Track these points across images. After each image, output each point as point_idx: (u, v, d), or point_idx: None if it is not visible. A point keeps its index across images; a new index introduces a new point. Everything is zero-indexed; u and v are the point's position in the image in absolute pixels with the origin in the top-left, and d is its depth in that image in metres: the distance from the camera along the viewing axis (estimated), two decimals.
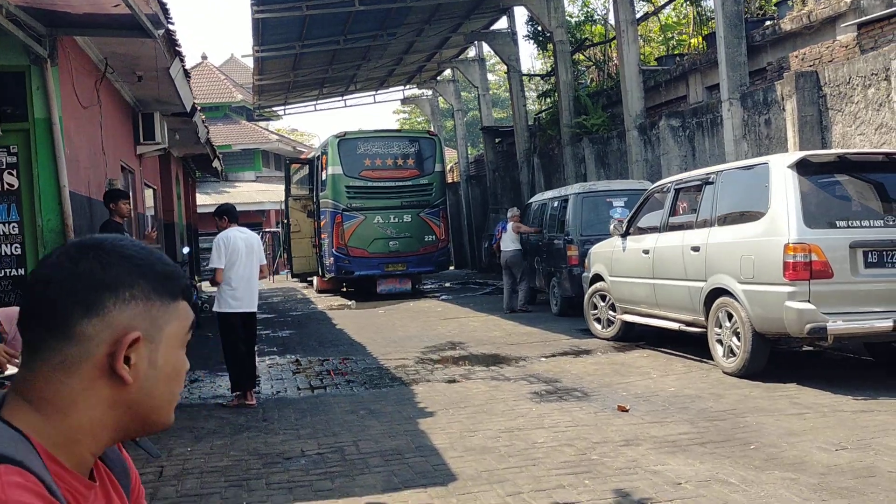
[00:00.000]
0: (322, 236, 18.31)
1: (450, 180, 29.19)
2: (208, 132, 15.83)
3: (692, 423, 5.54)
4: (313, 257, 19.42)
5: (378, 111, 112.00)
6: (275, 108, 30.42)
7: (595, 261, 9.88)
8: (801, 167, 6.46)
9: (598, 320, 9.76)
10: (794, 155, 6.51)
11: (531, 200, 14.33)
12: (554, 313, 12.52)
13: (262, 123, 44.63)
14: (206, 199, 34.70)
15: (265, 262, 7.31)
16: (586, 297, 9.95)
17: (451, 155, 35.20)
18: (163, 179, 15.18)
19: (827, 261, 6.20)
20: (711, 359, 7.46)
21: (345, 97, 28.07)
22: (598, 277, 9.76)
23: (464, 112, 27.44)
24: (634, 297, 8.77)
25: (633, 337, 9.37)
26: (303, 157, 22.92)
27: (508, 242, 12.96)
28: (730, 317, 6.99)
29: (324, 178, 18.00)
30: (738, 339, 6.88)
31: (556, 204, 12.60)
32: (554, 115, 18.99)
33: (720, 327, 7.15)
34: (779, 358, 6.82)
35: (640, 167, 14.67)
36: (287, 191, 19.71)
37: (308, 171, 19.77)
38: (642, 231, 8.82)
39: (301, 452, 5.29)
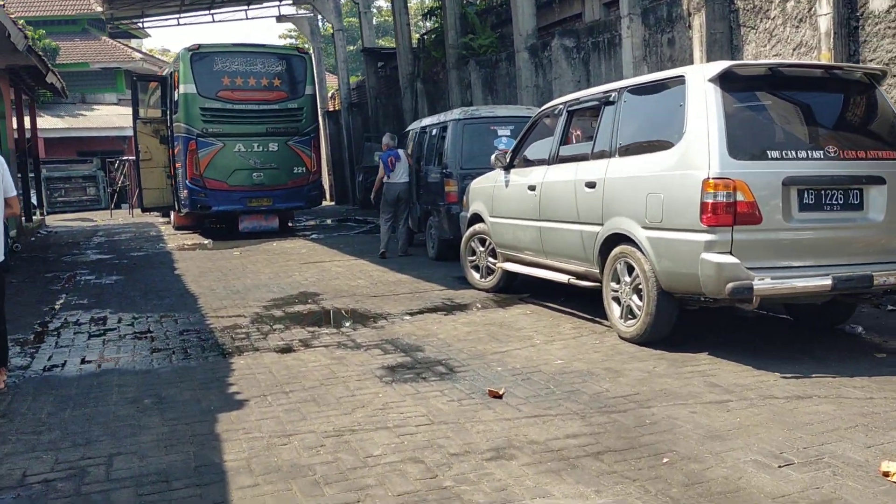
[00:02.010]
0: (176, 165, 16.05)
1: (331, 108, 27.06)
2: (27, 38, 13.19)
3: (583, 417, 4.14)
4: (167, 189, 17.11)
5: (256, 33, 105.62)
6: (133, 21, 27.14)
7: (474, 198, 8.37)
8: (725, 81, 5.07)
9: (477, 268, 8.31)
10: (717, 66, 5.11)
11: (408, 128, 12.65)
12: (430, 257, 11.02)
13: (127, 41, 40.56)
14: (58, 123, 31.15)
15: (14, 194, 5.36)
16: (463, 240, 8.46)
17: (332, 82, 32.84)
18: None
19: (755, 201, 4.88)
20: (606, 319, 6.14)
21: (212, 10, 25.19)
22: (477, 218, 8.27)
23: (345, 33, 25.15)
24: (518, 243, 7.33)
25: (516, 288, 7.99)
26: (159, 73, 20.22)
27: (401, 172, 11.24)
28: (630, 270, 5.63)
29: (176, 98, 15.66)
30: (640, 297, 5.55)
31: (434, 132, 10.97)
32: (439, 36, 17.21)
33: (618, 282, 5.79)
34: (682, 315, 5.60)
35: (530, 93, 13.20)
36: (135, 112, 17.17)
37: (160, 90, 17.28)
38: (529, 163, 7.34)
39: (20, 478, 3.57)
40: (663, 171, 5.26)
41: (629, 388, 4.60)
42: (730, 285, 4.78)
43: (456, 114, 10.39)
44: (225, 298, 8.42)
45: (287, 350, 5.92)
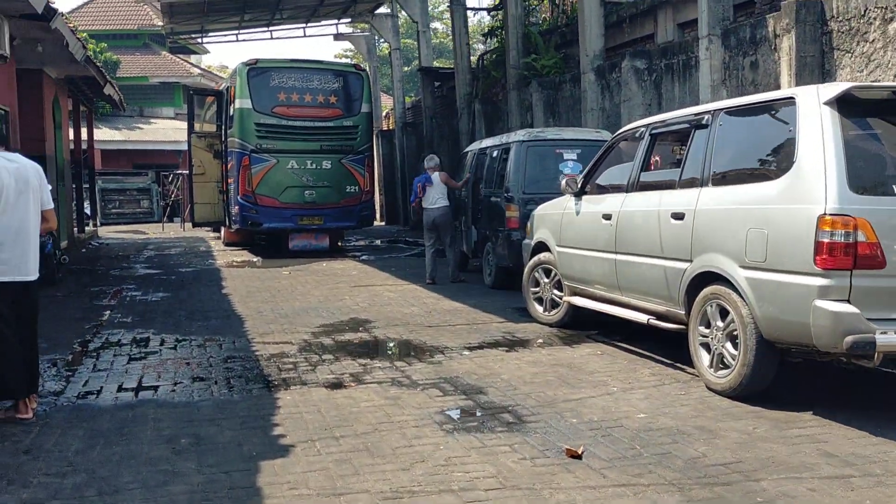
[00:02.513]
0: (228, 181, 15.85)
1: (385, 127, 26.84)
2: (85, 49, 13.13)
3: (682, 489, 3.54)
4: (219, 204, 16.94)
5: (312, 50, 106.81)
6: (193, 36, 27.37)
7: (539, 225, 7.82)
8: (844, 105, 4.45)
9: (540, 300, 7.74)
10: (834, 87, 4.50)
11: (467, 149, 12.18)
12: (487, 285, 10.47)
13: (186, 57, 41.17)
14: (115, 136, 31.55)
15: (51, 207, 4.98)
16: (526, 270, 7.90)
17: (387, 102, 32.71)
18: (23, 101, 12.46)
19: (878, 242, 4.24)
20: (690, 366, 5.51)
21: (270, 28, 25.22)
22: (542, 247, 7.71)
23: (401, 52, 24.94)
24: (588, 276, 6.74)
25: (582, 323, 7.39)
26: (216, 88, 20.19)
27: (437, 197, 10.74)
28: (723, 314, 5.01)
29: (231, 112, 15.48)
30: (734, 345, 4.92)
31: (495, 154, 10.46)
32: (500, 56, 16.77)
33: (708, 327, 5.17)
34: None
35: (595, 116, 12.63)
36: (190, 126, 17.07)
37: (216, 104, 17.16)
38: (603, 190, 6.77)
39: None
40: (768, 203, 4.64)
41: (730, 454, 3.98)
42: (849, 339, 4.14)
43: (520, 135, 9.87)
44: (272, 322, 7.99)
45: (337, 385, 5.43)
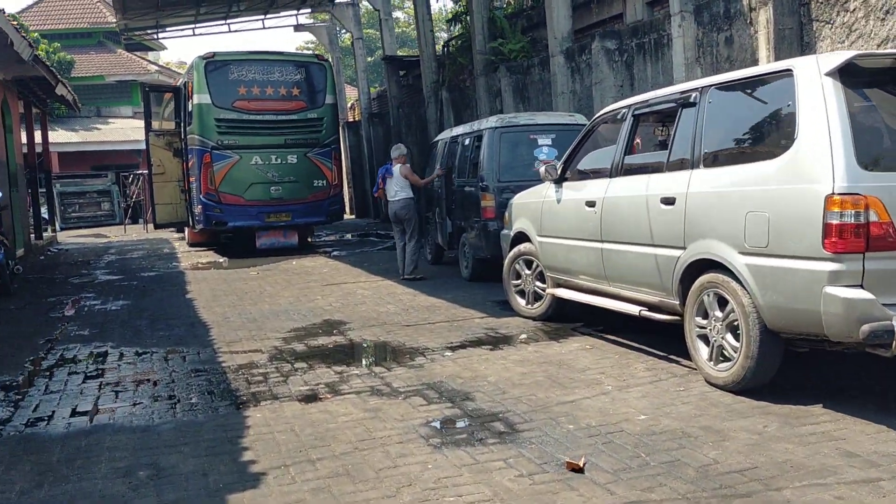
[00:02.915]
0: (190, 179, 15.28)
1: (350, 119, 26.32)
2: (33, 48, 12.46)
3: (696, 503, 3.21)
4: (181, 204, 16.35)
5: (273, 43, 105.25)
6: (148, 32, 26.54)
7: (518, 215, 7.46)
8: (846, 75, 4.13)
9: (522, 293, 7.39)
10: (836, 57, 4.18)
11: (437, 138, 11.77)
12: (464, 278, 10.10)
13: (143, 54, 40.13)
14: (72, 137, 30.60)
15: None
16: (506, 262, 7.54)
17: (351, 93, 32.14)
18: None
19: (891, 222, 3.94)
20: (687, 358, 5.20)
21: (228, 21, 24.51)
22: (522, 237, 7.35)
23: (364, 42, 24.39)
24: (573, 266, 6.40)
25: (566, 315, 7.06)
26: (173, 84, 19.46)
27: (396, 189, 10.30)
28: (722, 303, 4.69)
29: (189, 108, 14.89)
30: (735, 336, 4.61)
31: (467, 141, 10.07)
32: (465, 42, 16.35)
33: (705, 317, 4.85)
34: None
35: (566, 100, 12.29)
36: (147, 124, 16.43)
37: (174, 101, 16.54)
38: (585, 176, 6.43)
39: None
40: (768, 184, 4.32)
41: (743, 459, 3.65)
42: (865, 327, 3.83)
43: (492, 121, 9.49)
44: (240, 328, 7.55)
45: (311, 398, 5.03)
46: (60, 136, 29.81)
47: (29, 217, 17.58)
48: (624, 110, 5.91)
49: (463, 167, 10.09)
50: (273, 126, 14.62)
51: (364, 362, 6.05)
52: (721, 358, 4.74)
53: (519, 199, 7.55)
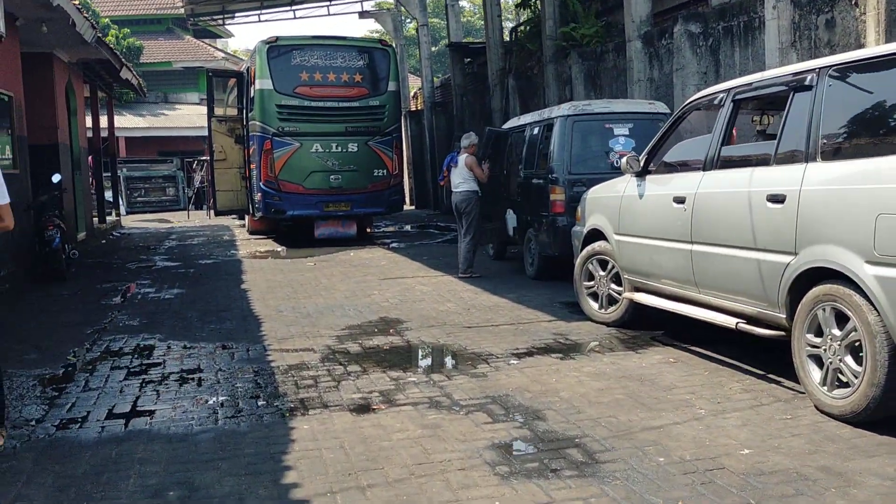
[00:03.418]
0: (251, 166, 15.04)
1: (413, 108, 25.90)
2: (95, 28, 12.31)
3: None
4: (242, 191, 16.14)
5: (337, 29, 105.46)
6: (214, 17, 26.58)
7: (593, 210, 6.84)
8: None
9: (595, 296, 6.78)
10: None
11: (503, 127, 11.18)
12: (529, 276, 9.52)
13: (211, 41, 40.50)
14: (139, 122, 30.97)
15: (6, 202, 4.13)
16: (578, 261, 6.93)
17: (414, 83, 31.73)
18: (32, 87, 11.70)
19: None
20: (788, 377, 4.54)
21: (293, 6, 24.33)
22: (596, 234, 6.73)
23: (429, 29, 23.89)
24: (656, 269, 5.77)
25: (644, 322, 6.43)
26: (237, 70, 19.28)
27: (459, 181, 9.80)
28: (841, 320, 4.03)
29: (251, 94, 14.63)
30: (857, 359, 3.94)
31: (535, 131, 9.47)
32: (535, 27, 15.69)
33: (819, 335, 4.19)
34: None
35: (642, 88, 11.56)
36: (210, 110, 16.24)
37: (237, 86, 16.33)
38: (672, 168, 5.78)
39: None
40: None
41: None
42: None
43: (564, 109, 8.86)
44: (293, 323, 7.14)
45: (364, 409, 4.54)
46: (128, 122, 30.20)
47: (92, 201, 17.62)
48: (721, 95, 5.24)
49: (531, 158, 9.49)
50: (334, 113, 14.25)
51: (422, 368, 5.54)
52: (837, 383, 4.08)
53: (594, 194, 6.93)
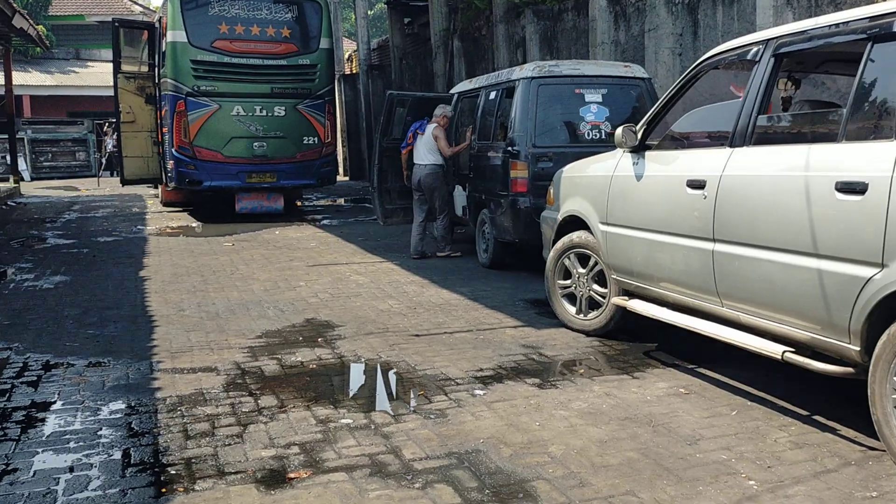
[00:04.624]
0: (163, 130, 13.30)
1: (347, 71, 24.24)
2: None
3: None
4: (154, 158, 14.37)
5: None
6: None
7: (571, 192, 5.57)
8: None
9: (571, 298, 5.54)
10: None
11: (453, 91, 9.81)
12: (482, 263, 8.25)
13: None
14: (47, 80, 28.36)
15: None
16: (551, 254, 5.66)
17: (349, 46, 29.92)
18: None
19: None
20: (846, 421, 3.39)
21: None
22: (574, 223, 5.47)
23: None
24: (658, 271, 4.54)
25: (630, 329, 5.24)
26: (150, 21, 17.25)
27: (424, 152, 8.51)
28: None
29: (163, 48, 12.86)
30: None
31: (491, 96, 8.14)
32: None
33: None
34: None
35: (606, 51, 10.34)
36: (116, 65, 14.30)
37: (148, 40, 14.46)
38: (682, 143, 4.55)
39: None
40: None
41: None
42: None
43: (528, 70, 7.54)
44: (195, 328, 5.69)
45: (277, 479, 3.18)
46: (34, 79, 27.64)
47: None
48: (757, 48, 3.99)
49: (486, 127, 8.18)
50: (258, 71, 12.63)
51: (360, 401, 4.20)
52: None
53: (572, 172, 5.66)
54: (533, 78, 7.39)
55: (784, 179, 3.56)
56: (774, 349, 3.64)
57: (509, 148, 7.41)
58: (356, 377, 4.66)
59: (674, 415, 3.83)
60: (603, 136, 7.41)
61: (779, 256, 3.58)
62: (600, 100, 7.43)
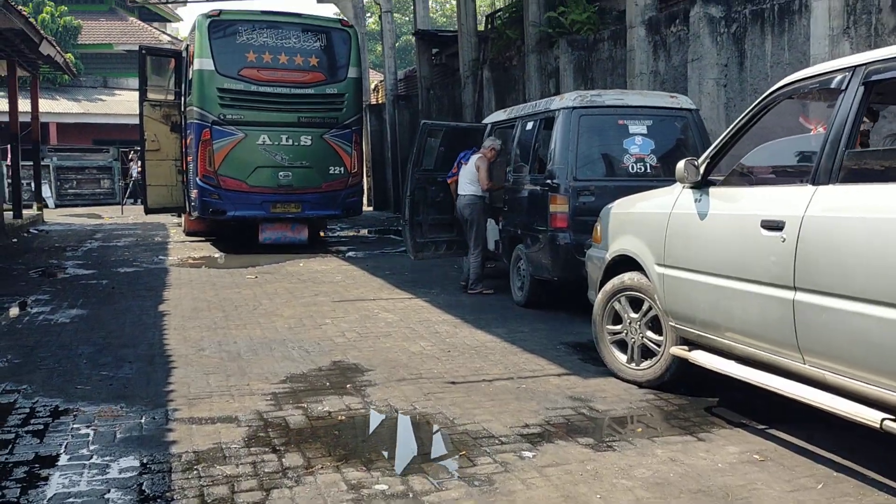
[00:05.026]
0: (187, 158, 13.09)
1: (373, 101, 24.11)
2: None
3: None
4: (178, 187, 14.16)
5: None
6: None
7: (621, 230, 5.16)
8: None
9: (622, 345, 5.10)
10: None
11: (486, 120, 9.47)
12: (517, 302, 7.83)
13: (160, 25, 38.06)
14: (73, 108, 28.52)
15: None
16: (599, 297, 5.23)
17: (375, 77, 29.92)
18: None
19: None
20: None
21: None
22: (625, 263, 5.05)
23: (393, 14, 22.11)
24: (725, 320, 4.10)
25: (687, 381, 4.78)
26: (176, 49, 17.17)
27: (465, 182, 8.22)
28: None
29: (189, 76, 12.69)
30: None
31: (528, 126, 7.78)
32: (516, 13, 14.04)
33: None
34: None
35: (644, 82, 9.98)
36: (142, 93, 14.18)
37: (175, 68, 14.33)
38: (754, 179, 4.14)
39: None
40: None
41: None
42: None
43: (569, 100, 7.18)
44: (215, 370, 5.31)
45: None
46: (61, 106, 27.81)
47: (4, 193, 15.44)
48: (842, 76, 3.59)
49: (523, 159, 7.81)
50: (285, 100, 12.41)
51: (395, 461, 3.78)
52: None
53: (623, 208, 5.25)
54: (574, 108, 7.02)
55: (883, 222, 3.13)
56: (871, 415, 3.18)
57: (548, 181, 7.03)
58: (389, 432, 4.24)
59: (752, 487, 3.37)
60: (647, 170, 7.02)
61: (880, 311, 3.13)
62: (645, 131, 7.04)
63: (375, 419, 4.36)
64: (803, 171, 3.70)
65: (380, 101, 23.42)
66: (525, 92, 13.06)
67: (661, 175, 7.00)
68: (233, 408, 4.50)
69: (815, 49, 7.31)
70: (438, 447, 3.96)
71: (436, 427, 4.21)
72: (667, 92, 9.15)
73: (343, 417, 4.35)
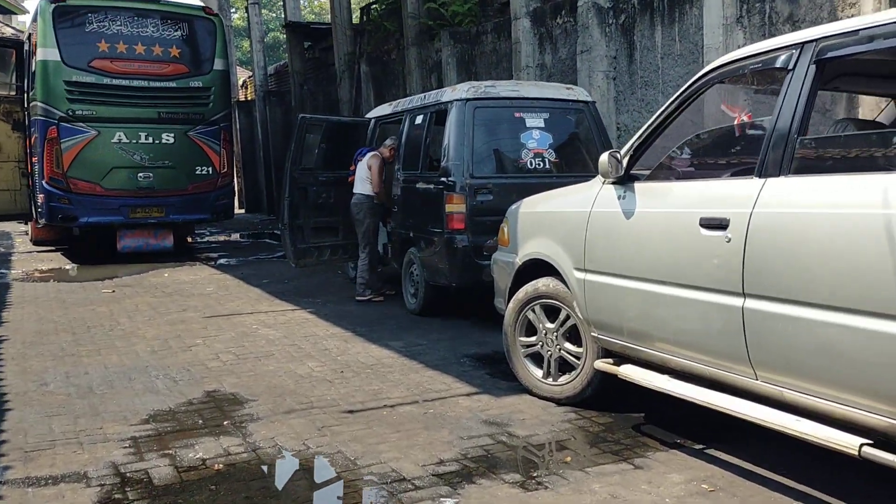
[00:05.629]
0: (32, 160, 11.69)
1: (242, 97, 22.90)
2: None
3: None
4: (21, 191, 12.64)
5: None
6: None
7: (532, 232, 4.66)
8: None
9: (537, 359, 4.60)
10: None
11: (369, 115, 8.81)
12: (411, 310, 7.23)
13: (4, 17, 34.84)
14: None
15: None
16: (511, 306, 4.71)
17: (244, 74, 28.54)
18: None
19: None
20: None
21: None
22: (538, 267, 4.56)
23: (260, 6, 21.00)
24: (659, 330, 3.66)
25: (609, 396, 4.34)
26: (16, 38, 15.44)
27: (357, 182, 7.65)
28: None
29: (33, 68, 11.32)
30: None
31: (418, 120, 7.20)
32: (394, 4, 13.43)
33: None
34: None
35: (530, 75, 9.64)
36: None
37: (16, 59, 12.81)
38: (683, 172, 3.72)
39: None
40: None
41: None
42: None
43: (462, 91, 6.64)
44: (60, 411, 4.41)
45: None
46: None
47: None
48: (788, 54, 3.20)
49: (412, 156, 7.22)
50: (143, 94, 11.30)
51: None
52: None
53: (533, 206, 4.75)
54: (468, 100, 6.50)
55: (850, 218, 2.75)
56: (849, 441, 2.78)
57: (443, 179, 6.47)
58: (280, 482, 3.53)
59: None
60: (547, 165, 6.61)
61: (848, 319, 2.74)
62: (542, 125, 6.62)
63: (260, 467, 3.64)
64: (745, 163, 3.30)
65: (249, 98, 22.24)
66: (406, 87, 12.50)
67: (560, 171, 6.63)
68: (81, 461, 3.66)
69: (709, 39, 7.13)
70: (342, 500, 3.30)
71: (335, 471, 3.54)
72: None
73: (220, 467, 3.61)
